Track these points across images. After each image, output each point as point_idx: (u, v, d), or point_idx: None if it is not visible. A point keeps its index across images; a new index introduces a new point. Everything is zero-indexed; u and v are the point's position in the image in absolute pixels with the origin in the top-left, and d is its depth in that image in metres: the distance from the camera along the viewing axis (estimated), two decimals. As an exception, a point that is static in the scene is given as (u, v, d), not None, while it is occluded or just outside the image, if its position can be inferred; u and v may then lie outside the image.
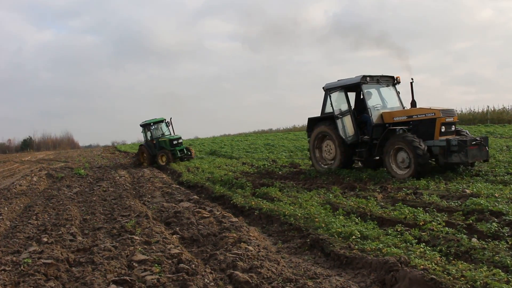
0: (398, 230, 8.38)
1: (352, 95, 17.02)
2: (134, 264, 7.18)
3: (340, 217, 9.59)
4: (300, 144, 32.53)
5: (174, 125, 33.43)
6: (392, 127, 14.99)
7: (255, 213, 11.02)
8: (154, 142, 29.59)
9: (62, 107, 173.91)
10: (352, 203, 10.98)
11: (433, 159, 14.59)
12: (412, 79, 15.37)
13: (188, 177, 19.47)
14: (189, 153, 29.84)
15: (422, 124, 14.58)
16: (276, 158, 24.61)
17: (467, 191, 11.15)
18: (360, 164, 17.28)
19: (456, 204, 9.96)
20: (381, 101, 16.37)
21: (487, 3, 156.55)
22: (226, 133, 78.91)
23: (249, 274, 6.36)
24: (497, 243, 7.17)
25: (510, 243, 7.13)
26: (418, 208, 9.77)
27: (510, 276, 5.80)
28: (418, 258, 6.54)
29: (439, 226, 8.25)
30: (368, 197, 11.49)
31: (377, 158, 15.26)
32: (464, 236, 7.60)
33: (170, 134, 30.23)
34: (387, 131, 14.99)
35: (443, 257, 6.77)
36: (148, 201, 14.56)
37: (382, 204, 10.85)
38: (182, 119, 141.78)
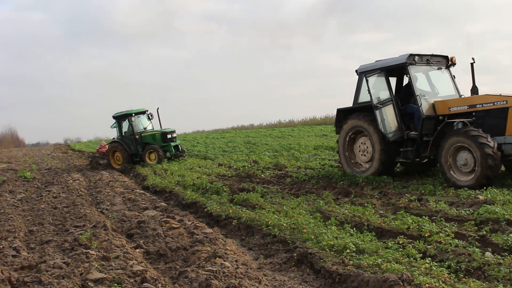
0: (400, 242, 8.41)
1: (392, 81, 16.02)
2: (89, 283, 7.12)
3: (333, 227, 9.60)
4: (286, 143, 32.59)
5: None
6: (449, 120, 13.52)
7: (233, 223, 11.00)
8: (137, 137, 27.75)
9: (3, 97, 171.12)
10: (347, 211, 11.02)
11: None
12: (473, 58, 13.95)
13: (154, 181, 19.41)
14: (183, 150, 28.83)
15: (489, 116, 13.08)
16: (258, 158, 24.56)
17: (480, 197, 11.23)
18: (402, 167, 16.67)
19: (468, 212, 10.04)
20: (431, 88, 15.19)
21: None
22: (200, 129, 78.69)
23: (226, 294, 6.35)
24: (515, 258, 7.25)
25: (529, 257, 7.21)
26: (424, 217, 9.82)
27: (529, 296, 5.87)
28: (423, 275, 6.58)
29: (447, 238, 8.31)
30: (365, 204, 11.54)
31: (425, 160, 14.64)
32: (477, 249, 7.64)
33: (153, 128, 28.82)
34: (443, 125, 13.44)
35: (452, 274, 6.82)
36: (107, 209, 14.44)
37: (382, 212, 10.91)
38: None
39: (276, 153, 26.97)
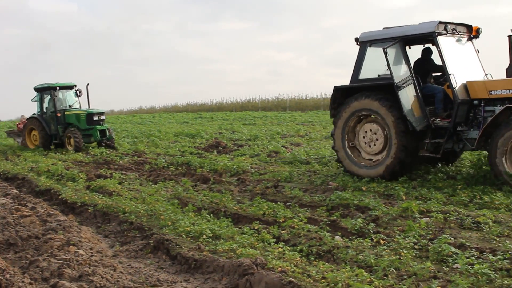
0: (255, 228, 8.60)
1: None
2: None
3: (190, 214, 9.65)
4: (147, 129, 32.19)
5: None
6: (509, 105, 10.47)
7: (89, 210, 10.73)
8: (59, 115, 23.17)
9: None
10: (205, 197, 11.11)
11: None
12: (511, 30, 11.21)
13: (6, 167, 18.46)
14: (111, 136, 23.61)
15: None
16: (117, 145, 24.08)
17: (333, 184, 11.74)
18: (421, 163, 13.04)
19: (320, 198, 10.46)
20: (459, 65, 11.75)
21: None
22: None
23: (78, 283, 6.19)
24: (362, 240, 7.66)
25: (375, 240, 7.64)
26: (279, 203, 10.10)
27: (373, 277, 6.21)
28: (276, 259, 6.76)
29: (300, 223, 8.60)
30: (223, 191, 11.69)
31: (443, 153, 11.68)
32: (327, 234, 7.98)
33: (80, 107, 24.02)
34: (503, 110, 10.45)
35: (303, 258, 7.07)
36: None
37: (239, 198, 11.10)
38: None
39: (135, 140, 26.48)
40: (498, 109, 10.65)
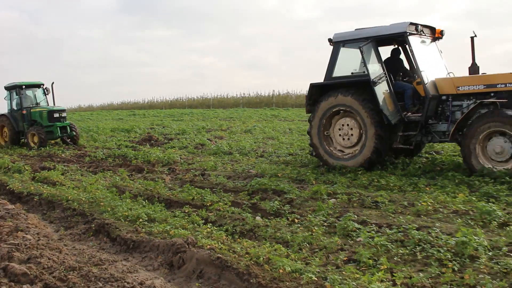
0: (186, 211, 8.52)
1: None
2: None
3: (127, 200, 9.45)
4: (86, 125, 31.29)
5: None
6: (483, 100, 10.04)
7: (35, 199, 10.32)
8: (24, 112, 21.12)
9: None
10: (140, 185, 10.92)
11: None
12: (473, 32, 10.90)
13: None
14: (74, 133, 21.34)
15: None
16: (59, 140, 23.23)
17: (252, 171, 11.78)
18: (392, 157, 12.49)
19: (242, 184, 10.47)
20: (426, 63, 11.27)
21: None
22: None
23: (27, 265, 5.94)
24: (279, 220, 7.72)
25: (290, 219, 7.70)
26: (206, 189, 10.05)
27: (289, 250, 6.27)
28: (205, 238, 6.71)
29: (225, 206, 8.58)
30: (156, 179, 11.54)
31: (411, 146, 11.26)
32: (249, 215, 8.03)
33: (48, 105, 21.98)
34: (476, 106, 10.02)
35: (229, 236, 7.04)
36: None
37: (170, 186, 10.95)
38: None
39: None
40: (466, 103, 10.45)
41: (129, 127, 26.97)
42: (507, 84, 9.91)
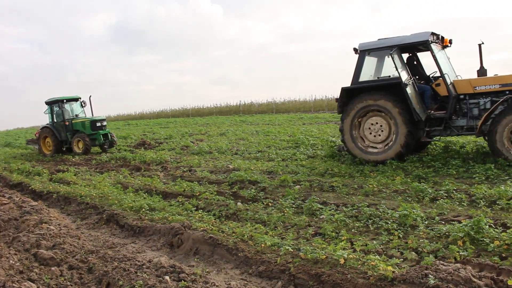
0: (180, 201, 8.43)
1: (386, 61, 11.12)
2: None
3: (130, 194, 9.30)
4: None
5: None
6: (509, 96, 9.38)
7: (54, 196, 10.05)
8: (67, 123, 19.69)
9: None
10: (139, 181, 10.75)
11: None
12: (480, 40, 10.27)
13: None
14: (114, 139, 20.14)
15: None
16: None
17: (230, 166, 11.72)
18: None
19: (223, 177, 10.40)
20: (445, 67, 10.49)
21: (234, 22, 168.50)
22: (20, 126, 71.12)
23: (53, 250, 5.79)
24: (256, 204, 7.70)
25: (265, 203, 7.70)
26: (194, 182, 9.96)
27: (267, 229, 6.27)
28: (198, 222, 6.65)
29: (211, 195, 8.53)
30: (152, 176, 11.37)
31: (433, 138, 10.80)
32: (231, 201, 7.99)
33: (85, 116, 20.39)
34: (503, 100, 9.36)
35: (217, 219, 7.00)
36: None
37: (164, 181, 10.82)
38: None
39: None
40: (482, 101, 9.80)
41: (126, 135, 26.50)
42: None
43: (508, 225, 5.38)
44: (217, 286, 4.57)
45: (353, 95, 10.78)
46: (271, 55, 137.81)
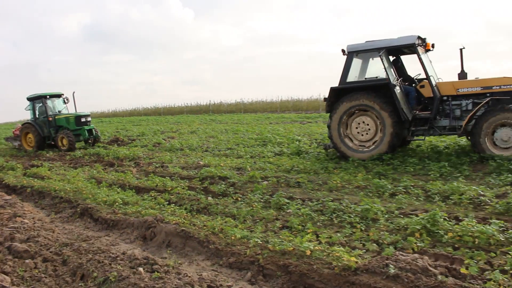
0: (152, 195, 8.29)
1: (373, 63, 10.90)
2: None
3: (104, 188, 9.09)
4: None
5: None
6: (494, 97, 9.52)
7: (27, 190, 9.72)
8: (50, 119, 18.65)
9: None
10: (113, 176, 10.52)
11: None
12: (461, 44, 10.08)
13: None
14: (98, 135, 19.41)
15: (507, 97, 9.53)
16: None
17: (201, 162, 11.61)
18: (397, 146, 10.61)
19: (194, 172, 10.30)
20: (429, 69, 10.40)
21: (204, 25, 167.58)
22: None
23: (28, 243, 5.59)
24: (226, 199, 7.65)
25: (234, 198, 7.65)
26: (166, 177, 9.82)
27: (237, 222, 6.23)
28: (170, 216, 6.55)
29: (183, 190, 8.41)
30: (126, 171, 11.14)
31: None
32: (202, 196, 7.92)
33: (68, 112, 19.30)
34: (485, 102, 9.49)
35: (188, 213, 6.91)
36: None
37: (137, 176, 10.62)
38: None
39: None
40: (464, 103, 9.82)
41: (99, 131, 25.91)
42: (501, 86, 9.51)
43: (460, 218, 5.53)
44: (189, 277, 4.50)
45: (340, 95, 10.63)
46: (240, 58, 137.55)
